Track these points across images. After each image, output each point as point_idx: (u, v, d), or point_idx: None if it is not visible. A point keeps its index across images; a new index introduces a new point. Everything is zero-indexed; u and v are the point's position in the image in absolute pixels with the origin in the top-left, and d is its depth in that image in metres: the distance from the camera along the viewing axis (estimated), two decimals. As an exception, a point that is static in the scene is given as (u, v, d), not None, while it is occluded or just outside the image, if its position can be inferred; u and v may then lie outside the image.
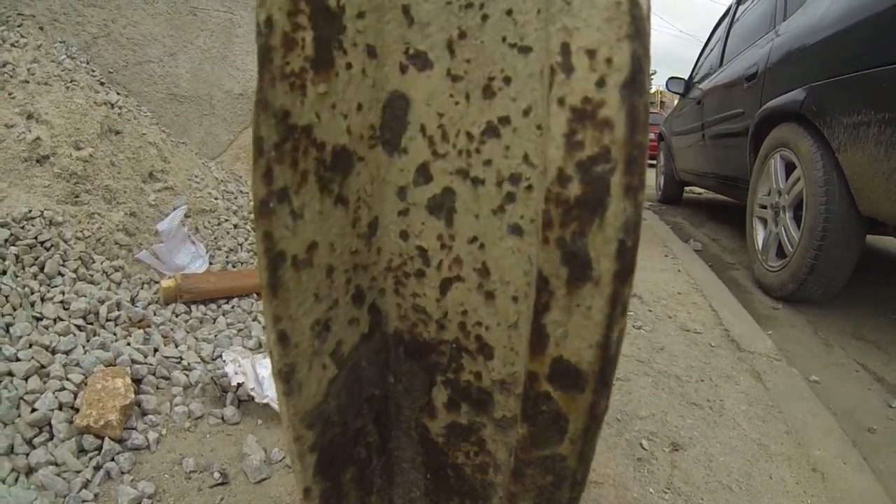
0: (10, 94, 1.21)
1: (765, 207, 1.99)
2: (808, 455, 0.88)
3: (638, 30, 0.28)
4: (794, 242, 1.68)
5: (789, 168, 1.82)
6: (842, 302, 1.72)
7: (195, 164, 1.70)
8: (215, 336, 1.07)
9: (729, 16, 3.26)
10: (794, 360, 1.33)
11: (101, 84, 1.53)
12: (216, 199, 1.58)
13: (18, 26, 1.42)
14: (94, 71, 1.58)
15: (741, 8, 3.06)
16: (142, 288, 1.14)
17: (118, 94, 1.58)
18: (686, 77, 4.01)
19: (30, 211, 1.06)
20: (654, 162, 5.67)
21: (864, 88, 1.43)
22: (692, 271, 1.87)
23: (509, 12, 0.36)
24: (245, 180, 2.12)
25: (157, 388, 0.89)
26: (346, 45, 0.36)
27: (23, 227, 1.02)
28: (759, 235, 2.00)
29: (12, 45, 1.33)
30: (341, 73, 0.36)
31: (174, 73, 2.03)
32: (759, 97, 2.13)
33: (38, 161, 1.16)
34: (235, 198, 1.70)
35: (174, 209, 1.32)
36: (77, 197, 1.18)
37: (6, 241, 0.98)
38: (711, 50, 3.57)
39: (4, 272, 0.94)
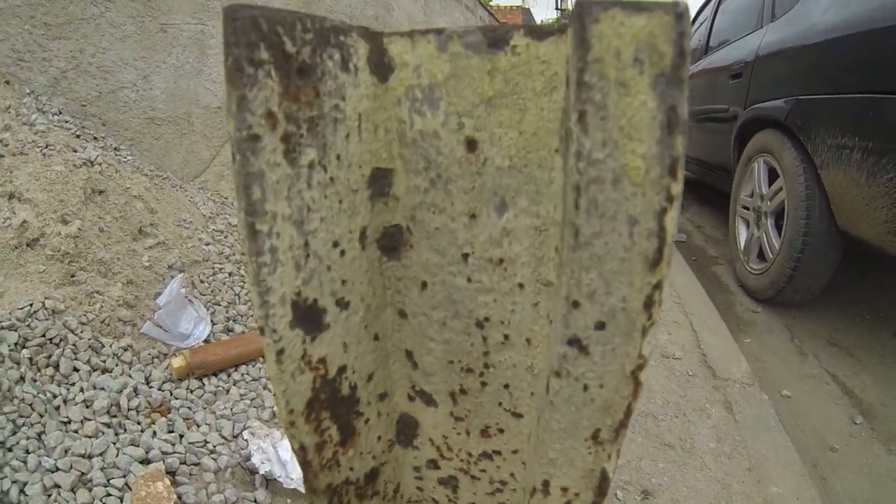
0: (-13, 172, 1.18)
1: (747, 209, 2.03)
2: (766, 493, 0.98)
3: None
4: (774, 250, 1.74)
5: (772, 174, 1.85)
6: (821, 302, 1.81)
7: (181, 204, 1.68)
8: (231, 411, 1.12)
9: (710, 12, 3.10)
10: (769, 372, 1.44)
11: (77, 137, 1.48)
12: (207, 244, 1.58)
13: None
14: (66, 122, 1.52)
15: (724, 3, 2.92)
16: (152, 364, 1.17)
17: (95, 141, 1.54)
18: None
19: (31, 304, 1.06)
20: None
21: (851, 113, 1.44)
22: (676, 279, 1.94)
23: (506, 386, 0.41)
24: (231, 203, 2.10)
25: (191, 475, 0.95)
26: (361, 409, 0.40)
27: (29, 326, 1.04)
28: (742, 236, 2.06)
29: (-21, 110, 1.28)
30: (362, 431, 0.40)
31: (149, 96, 1.96)
32: (745, 97, 2.12)
33: (28, 245, 1.15)
34: (225, 236, 1.70)
35: (171, 278, 1.33)
36: (73, 276, 1.18)
37: (17, 344, 1.00)
38: (697, 29, 3.48)
39: (23, 378, 0.96)
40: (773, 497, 0.97)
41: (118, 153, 1.67)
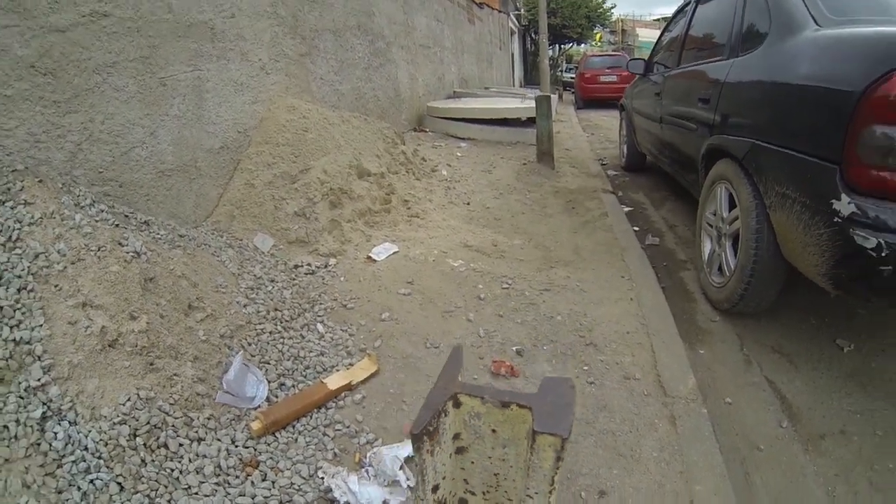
0: (55, 286, 1.35)
1: (711, 226, 2.23)
2: (692, 490, 1.29)
3: None
4: (730, 269, 2.01)
5: (732, 200, 2.04)
6: (773, 309, 2.07)
7: (214, 268, 1.86)
8: (303, 456, 1.40)
9: (687, 16, 3.13)
10: (717, 381, 1.78)
11: (117, 227, 1.63)
12: (245, 306, 1.79)
13: (20, 191, 1.46)
14: (103, 212, 1.66)
15: (700, 10, 2.94)
16: (231, 426, 1.42)
17: (139, 234, 1.67)
18: (645, 59, 3.95)
19: (129, 398, 1.29)
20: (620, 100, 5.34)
21: (794, 169, 1.63)
22: (644, 295, 2.23)
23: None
24: (248, 244, 2.27)
25: None
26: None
27: (134, 417, 1.26)
28: (706, 248, 2.29)
29: (30, 223, 1.41)
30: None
31: (158, 151, 2.07)
32: (711, 121, 2.24)
33: (110, 346, 1.35)
34: (256, 293, 1.90)
35: (227, 347, 1.56)
36: (152, 364, 1.40)
37: (130, 434, 1.23)
38: (671, 37, 3.48)
39: (143, 461, 1.21)
40: (696, 494, 1.29)
41: (157, 236, 1.80)
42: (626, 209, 3.73)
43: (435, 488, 0.64)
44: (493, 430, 0.71)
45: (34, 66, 1.63)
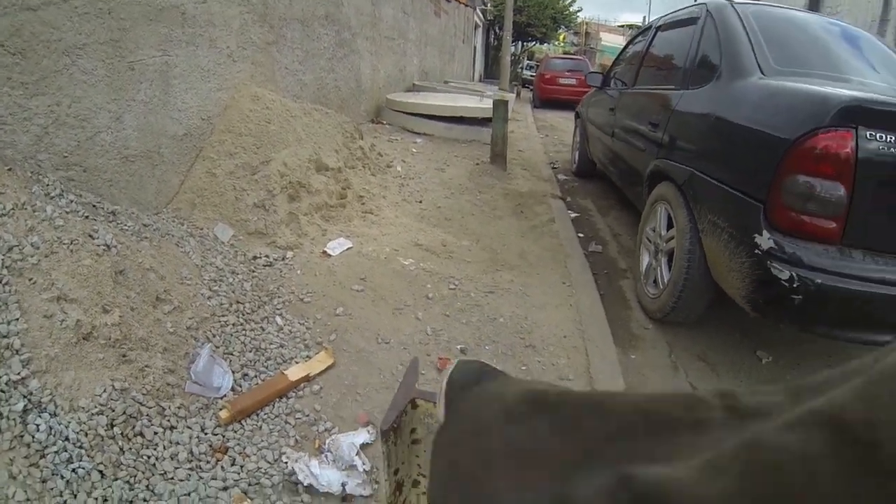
0: (30, 279, 1.39)
1: (650, 241, 2.40)
2: None
3: None
4: (664, 283, 2.18)
5: (670, 220, 2.18)
6: (702, 319, 2.24)
7: (178, 260, 1.92)
8: (267, 442, 1.54)
9: (646, 40, 3.29)
10: (646, 385, 2.01)
11: (87, 218, 1.65)
12: (208, 297, 1.87)
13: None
14: (72, 202, 1.67)
15: (659, 36, 3.12)
16: (199, 415, 1.54)
17: (108, 226, 1.69)
18: (603, 73, 4.10)
19: (105, 389, 1.37)
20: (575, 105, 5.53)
21: (722, 201, 1.79)
22: (582, 300, 2.46)
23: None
24: (208, 234, 2.31)
25: (256, 492, 1.39)
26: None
27: (111, 408, 1.35)
28: (644, 261, 2.46)
29: (1, 214, 1.42)
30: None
31: (123, 136, 2.07)
32: (658, 144, 2.41)
33: (85, 338, 1.41)
34: (219, 285, 1.98)
35: (193, 339, 1.65)
36: (125, 356, 1.47)
37: (108, 426, 1.32)
38: (630, 55, 3.63)
39: (122, 450, 1.31)
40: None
41: (124, 227, 1.82)
42: (573, 215, 3.93)
43: (396, 471, 0.79)
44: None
45: (3, 45, 1.60)
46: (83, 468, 1.22)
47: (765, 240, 1.60)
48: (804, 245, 1.55)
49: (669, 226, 2.19)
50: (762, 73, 1.95)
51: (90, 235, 1.59)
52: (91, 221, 1.66)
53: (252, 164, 2.64)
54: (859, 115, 1.49)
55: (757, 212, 1.63)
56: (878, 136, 1.47)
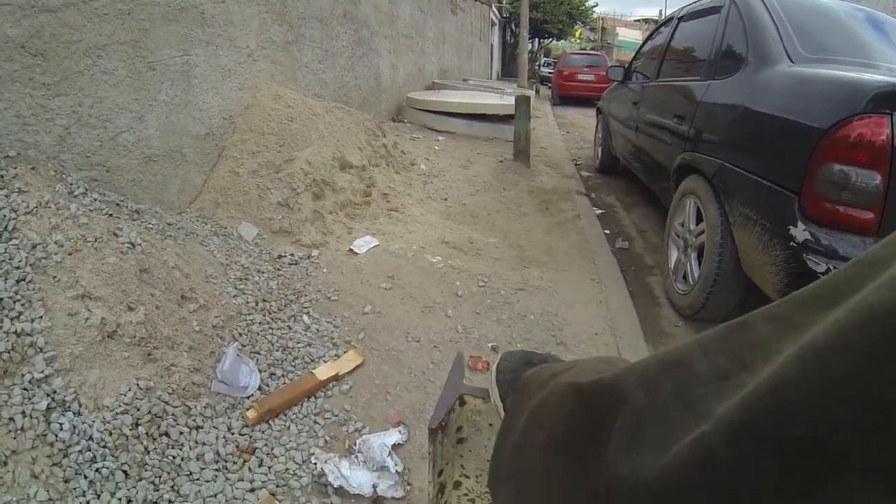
0: (54, 277, 1.35)
1: (678, 236, 2.32)
2: None
3: None
4: (694, 278, 2.10)
5: (699, 214, 2.11)
6: (732, 315, 2.29)
7: (203, 259, 1.87)
8: (296, 443, 1.47)
9: (668, 31, 3.18)
10: None
11: (110, 216, 1.61)
12: (235, 296, 1.82)
13: (14, 178, 1.43)
14: (96, 200, 1.63)
15: (681, 26, 3.00)
16: (226, 415, 1.47)
17: (132, 224, 1.66)
18: (625, 66, 4.00)
19: (129, 388, 1.32)
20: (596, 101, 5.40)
21: (757, 194, 1.71)
22: (612, 299, 2.38)
23: None
24: (232, 232, 2.27)
25: (285, 494, 1.32)
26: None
27: (136, 407, 1.30)
28: (673, 256, 2.37)
29: (26, 213, 1.39)
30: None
31: (145, 136, 2.04)
32: (685, 137, 2.32)
33: (109, 336, 1.37)
34: (245, 283, 1.92)
35: (219, 338, 1.59)
36: (150, 355, 1.42)
37: (133, 424, 1.27)
38: (652, 47, 3.50)
39: (147, 450, 1.25)
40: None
41: (148, 226, 1.79)
42: (598, 212, 3.84)
43: (440, 472, 0.73)
44: (490, 424, 0.82)
45: (24, 47, 1.58)
46: (107, 468, 1.16)
47: (800, 231, 1.53)
48: (840, 237, 1.49)
49: (699, 220, 2.11)
50: (791, 60, 1.87)
51: (114, 233, 1.56)
52: (115, 219, 1.62)
53: (275, 162, 2.60)
54: (894, 100, 1.40)
55: (791, 203, 1.57)
56: None
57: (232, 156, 2.53)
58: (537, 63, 21.63)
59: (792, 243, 1.56)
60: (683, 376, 0.27)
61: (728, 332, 0.27)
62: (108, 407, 1.25)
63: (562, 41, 26.59)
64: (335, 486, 1.33)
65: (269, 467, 1.36)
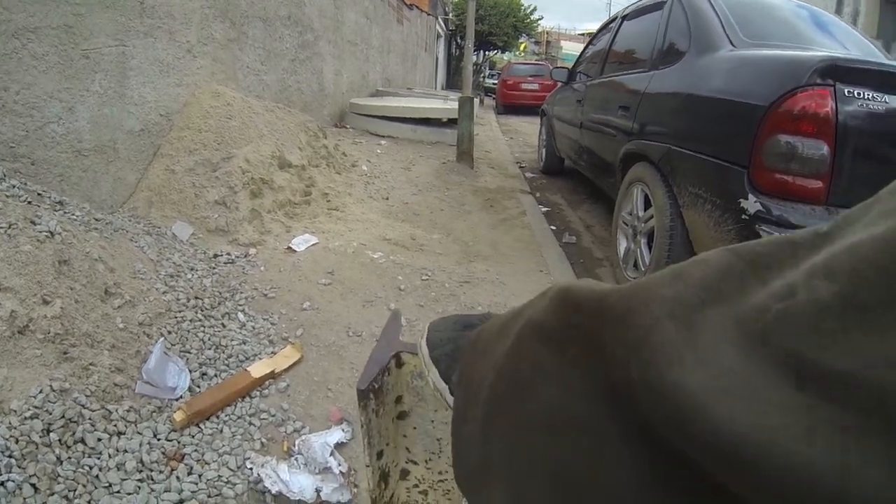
0: (-43, 266, 1.18)
1: (626, 225, 2.29)
2: None
3: None
4: (645, 264, 2.05)
5: (647, 201, 2.08)
6: None
7: (132, 253, 1.72)
8: (230, 447, 1.38)
9: (612, 31, 3.21)
10: None
11: (29, 203, 1.44)
12: (164, 293, 1.68)
13: None
14: (14, 187, 1.45)
15: (625, 25, 3.04)
16: (152, 419, 1.36)
17: (53, 213, 1.49)
18: (569, 67, 4.03)
19: (41, 390, 1.18)
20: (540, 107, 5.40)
21: (704, 171, 1.70)
22: None
23: None
24: (166, 232, 2.12)
25: None
26: None
27: (47, 411, 1.16)
28: (622, 246, 2.34)
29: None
30: None
31: (75, 129, 1.86)
32: (630, 128, 2.32)
33: (20, 332, 1.22)
34: (176, 280, 1.79)
35: (145, 336, 1.48)
36: (66, 353, 1.28)
37: (44, 430, 1.13)
38: (595, 48, 3.53)
39: (59, 459, 1.12)
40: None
41: (72, 218, 1.62)
42: (544, 209, 3.81)
43: (380, 454, 0.59)
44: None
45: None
46: (13, 481, 1.02)
47: (751, 203, 1.52)
48: (791, 206, 1.48)
49: (647, 206, 2.09)
50: (733, 45, 1.89)
51: (32, 221, 1.39)
52: (34, 207, 1.45)
53: (213, 160, 2.46)
54: (836, 73, 1.44)
55: (741, 177, 1.56)
56: (856, 92, 1.42)
57: (168, 153, 2.36)
58: (482, 75, 21.64)
59: (744, 216, 1.54)
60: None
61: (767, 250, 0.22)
62: (14, 411, 1.11)
63: (507, 53, 26.63)
64: (274, 492, 1.25)
65: (200, 475, 1.26)
